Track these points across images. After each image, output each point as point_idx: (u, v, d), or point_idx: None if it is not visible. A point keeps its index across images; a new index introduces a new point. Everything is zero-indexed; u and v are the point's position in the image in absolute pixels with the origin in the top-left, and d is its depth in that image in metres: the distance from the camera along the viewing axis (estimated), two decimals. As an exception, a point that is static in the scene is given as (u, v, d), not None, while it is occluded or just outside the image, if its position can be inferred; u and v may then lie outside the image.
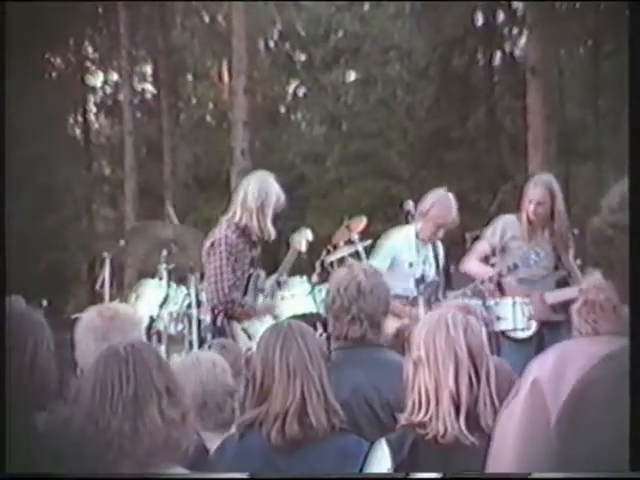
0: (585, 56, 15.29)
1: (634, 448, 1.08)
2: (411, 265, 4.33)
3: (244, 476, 1.80)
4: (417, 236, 4.38)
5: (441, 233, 4.38)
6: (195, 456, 1.68)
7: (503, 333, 4.10)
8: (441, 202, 4.35)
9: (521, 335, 4.11)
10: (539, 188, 4.25)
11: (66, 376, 2.14)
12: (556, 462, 1.14)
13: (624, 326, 1.27)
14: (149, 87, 17.20)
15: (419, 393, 1.97)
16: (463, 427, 1.92)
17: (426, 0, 13.48)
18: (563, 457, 1.14)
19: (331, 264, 5.05)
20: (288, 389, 1.93)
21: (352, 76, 16.36)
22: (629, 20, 1.23)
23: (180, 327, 4.06)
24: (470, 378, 1.97)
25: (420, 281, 4.20)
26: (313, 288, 4.24)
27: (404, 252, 4.37)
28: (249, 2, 12.50)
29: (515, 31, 14.82)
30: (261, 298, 4.02)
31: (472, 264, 4.41)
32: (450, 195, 4.41)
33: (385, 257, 4.36)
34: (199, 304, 4.07)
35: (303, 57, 16.55)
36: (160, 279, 4.19)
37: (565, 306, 4.05)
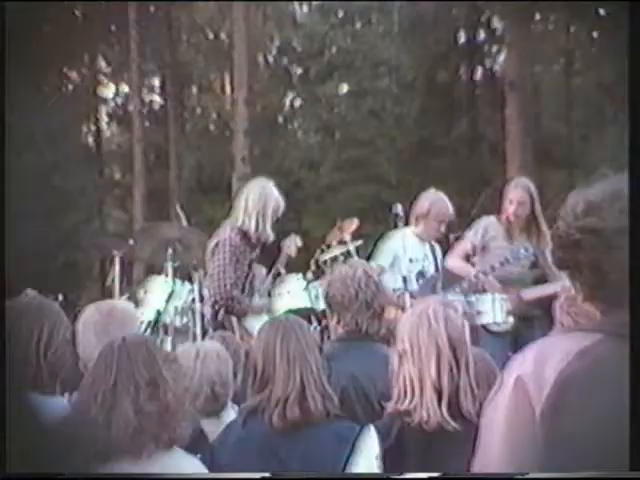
0: (558, 73, 15.35)
1: (634, 448, 1.06)
2: (411, 261, 4.35)
3: (245, 476, 1.79)
4: (418, 236, 4.40)
5: (444, 228, 4.40)
6: (193, 440, 1.67)
7: (483, 326, 4.10)
8: (438, 201, 4.38)
9: (499, 328, 4.11)
10: (519, 190, 4.26)
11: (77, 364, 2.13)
12: (541, 455, 1.13)
13: (595, 322, 1.26)
14: (157, 98, 17.18)
15: (404, 383, 1.96)
16: (445, 414, 1.91)
17: None
18: (548, 450, 1.13)
19: (325, 262, 5.05)
20: (289, 376, 1.93)
21: (345, 88, 16.36)
22: (629, 20, 1.21)
23: (185, 320, 4.06)
24: (451, 368, 1.96)
25: (420, 276, 4.22)
26: (308, 285, 4.24)
27: (405, 250, 4.38)
28: (249, 20, 12.48)
29: (494, 49, 14.87)
30: (257, 296, 4.03)
31: (455, 262, 4.42)
32: (443, 196, 4.44)
33: (387, 255, 4.37)
34: (202, 299, 4.07)
35: (299, 71, 16.56)
36: (166, 276, 4.18)
37: (541, 302, 4.06)
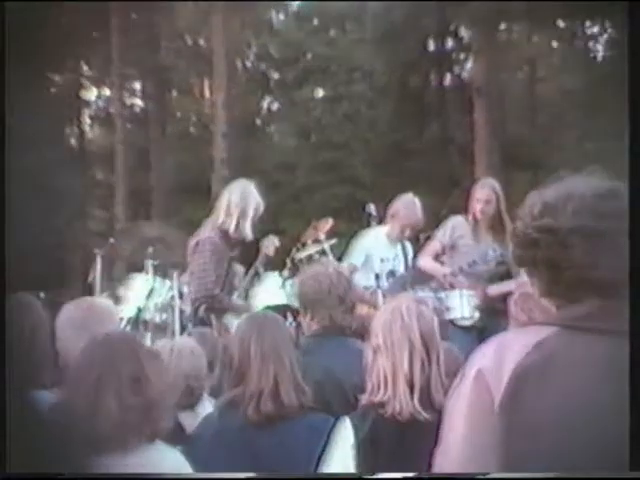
0: (522, 80, 15.52)
1: (634, 448, 1.06)
2: (382, 261, 4.36)
3: (245, 476, 1.79)
4: (389, 236, 4.42)
5: (408, 233, 4.42)
6: (171, 433, 1.67)
7: (451, 321, 4.14)
8: (408, 206, 4.40)
9: (467, 323, 4.15)
10: (486, 189, 4.31)
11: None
12: (500, 444, 1.15)
13: (551, 317, 1.28)
14: (138, 102, 17.02)
15: (378, 376, 1.97)
16: (417, 405, 1.93)
17: None
18: (506, 439, 1.14)
19: (300, 260, 5.05)
20: (263, 371, 1.93)
21: (320, 93, 16.37)
22: (629, 20, 1.22)
23: (164, 317, 4.04)
24: (423, 362, 1.98)
25: (391, 275, 4.24)
26: (284, 282, 4.23)
27: (376, 249, 4.40)
28: (227, 27, 12.43)
29: (462, 56, 14.99)
30: (237, 294, 4.02)
31: (426, 261, 4.44)
32: (416, 200, 4.45)
33: (360, 254, 4.39)
34: (181, 296, 4.05)
35: (276, 76, 16.53)
36: (146, 273, 4.16)
37: (506, 298, 4.10)
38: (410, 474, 1.46)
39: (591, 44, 15.04)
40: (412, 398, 1.93)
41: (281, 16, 16.37)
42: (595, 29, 14.66)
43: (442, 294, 4.18)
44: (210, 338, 2.74)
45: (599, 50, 15.01)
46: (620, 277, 1.18)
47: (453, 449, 1.19)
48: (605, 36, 14.68)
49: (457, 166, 14.41)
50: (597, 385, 1.14)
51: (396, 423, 1.92)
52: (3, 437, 1.39)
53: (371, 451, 1.87)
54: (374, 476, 1.79)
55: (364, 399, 1.98)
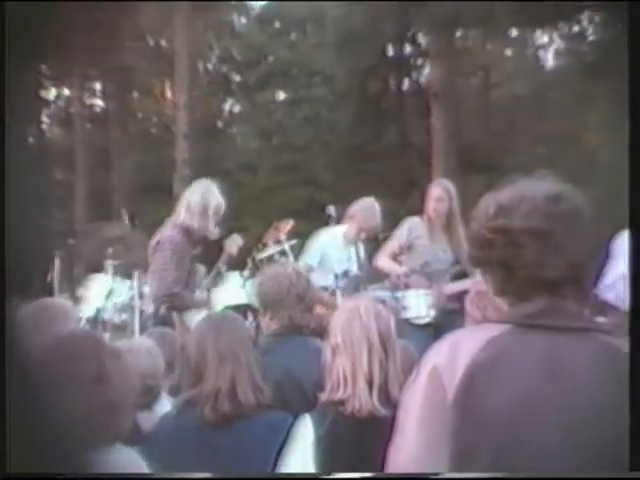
0: (477, 86, 15.77)
1: (634, 448, 1.07)
2: (337, 261, 4.38)
3: (245, 476, 1.77)
4: (345, 237, 4.43)
5: (364, 236, 4.45)
6: (128, 432, 1.64)
7: (408, 320, 4.17)
8: (366, 210, 4.43)
9: (423, 321, 4.19)
10: (438, 188, 4.39)
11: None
12: (452, 439, 1.16)
13: (503, 315, 1.30)
14: (99, 102, 16.72)
15: (337, 375, 1.98)
16: (376, 402, 1.94)
17: None
18: (458, 433, 1.16)
19: (261, 260, 5.03)
20: (219, 371, 1.92)
21: (282, 96, 16.34)
22: (629, 20, 1.22)
23: (124, 317, 3.97)
24: (381, 360, 1.99)
25: (344, 275, 4.25)
26: (245, 282, 4.21)
27: (332, 250, 4.41)
28: (189, 29, 12.30)
29: (420, 62, 15.14)
30: (199, 292, 3.98)
31: (384, 261, 4.48)
32: (376, 204, 4.48)
33: (315, 254, 4.40)
34: (141, 296, 3.99)
35: (238, 78, 16.43)
36: (106, 274, 4.09)
37: (461, 296, 4.16)
38: (380, 473, 1.46)
39: (540, 53, 15.40)
40: (371, 396, 1.94)
41: (243, 19, 16.28)
42: (544, 39, 15.01)
43: (399, 294, 4.22)
44: (170, 338, 2.71)
45: (548, 59, 15.39)
46: (567, 276, 1.21)
47: (407, 444, 1.20)
48: (553, 46, 15.06)
49: (415, 169, 14.55)
50: (546, 380, 1.16)
51: (355, 420, 1.92)
52: (3, 437, 1.37)
53: (331, 448, 1.87)
54: (368, 475, 1.78)
55: (323, 397, 1.98)
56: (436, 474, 1.17)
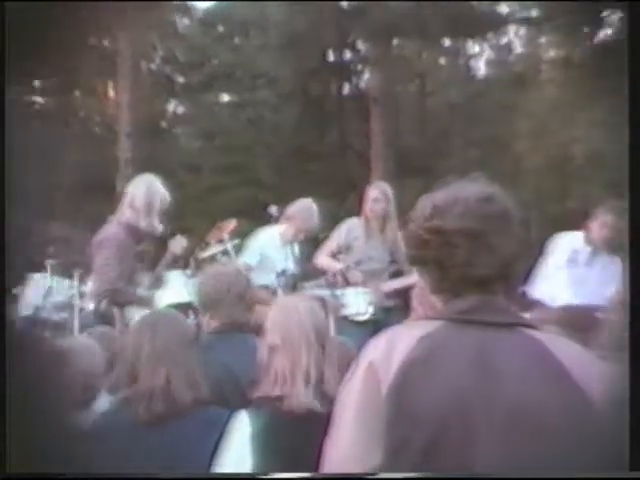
0: (414, 92, 16.06)
1: (634, 448, 1.06)
2: (276, 260, 4.37)
3: (248, 475, 1.72)
4: (282, 236, 4.42)
5: (302, 236, 4.46)
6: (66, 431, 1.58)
7: (347, 317, 4.20)
8: (304, 211, 4.45)
9: (361, 318, 4.22)
10: (375, 190, 4.47)
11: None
12: (385, 433, 1.16)
13: (437, 311, 1.32)
14: (39, 100, 16.14)
15: (275, 374, 1.96)
16: (313, 399, 1.93)
17: None
18: (390, 427, 1.16)
19: (204, 260, 4.96)
20: (154, 371, 1.88)
21: (225, 98, 16.18)
22: (629, 20, 1.23)
23: (63, 315, 3.85)
24: (317, 357, 1.99)
25: (282, 274, 4.25)
26: (187, 280, 4.15)
27: (270, 249, 4.40)
28: (133, 29, 12.02)
29: (360, 68, 15.28)
30: (141, 289, 3.89)
31: (322, 260, 4.50)
32: (313, 206, 4.50)
33: (254, 253, 4.38)
34: (81, 295, 3.88)
35: (182, 79, 16.17)
36: (45, 273, 3.94)
37: (397, 294, 4.22)
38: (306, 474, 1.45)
39: (472, 62, 15.80)
40: (308, 393, 1.93)
41: (186, 20, 16.02)
42: (476, 49, 15.41)
43: (338, 291, 4.25)
44: (109, 337, 2.64)
45: (479, 68, 15.81)
46: (497, 274, 1.24)
47: (343, 438, 1.20)
48: (484, 56, 15.48)
49: (355, 170, 14.67)
50: (476, 375, 1.18)
51: (293, 416, 1.91)
52: (3, 437, 1.29)
53: (267, 443, 1.86)
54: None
55: (259, 393, 1.96)
56: (373, 474, 1.17)
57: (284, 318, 2.00)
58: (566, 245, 4.16)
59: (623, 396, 1.18)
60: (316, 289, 4.30)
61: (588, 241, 4.09)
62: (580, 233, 4.16)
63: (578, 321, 2.34)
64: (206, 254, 4.94)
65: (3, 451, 1.31)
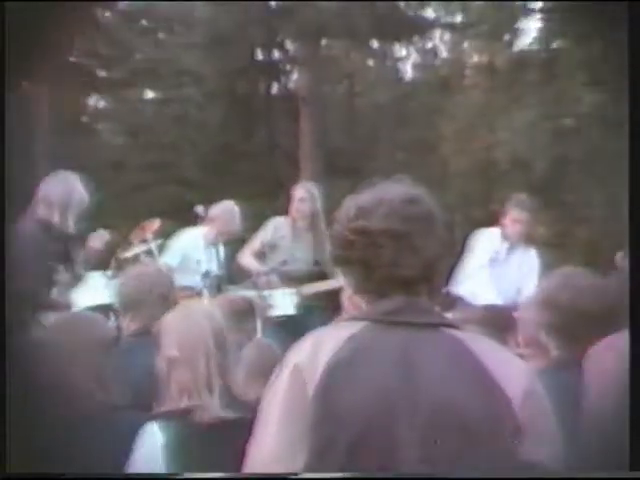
0: (342, 93, 16.23)
1: (634, 448, 1.06)
2: (198, 262, 4.32)
3: (245, 476, 1.65)
4: (206, 237, 4.38)
5: (224, 239, 4.45)
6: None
7: (274, 318, 4.20)
8: (226, 214, 4.44)
9: (288, 320, 4.23)
10: (301, 190, 4.52)
11: None
12: (311, 436, 1.16)
13: (362, 312, 1.33)
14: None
15: (178, 386, 1.91)
16: (224, 407, 1.89)
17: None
18: (316, 430, 1.16)
19: (126, 260, 4.84)
20: (65, 374, 1.81)
21: (149, 94, 15.81)
22: (629, 20, 1.24)
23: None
24: (220, 363, 1.94)
25: (205, 275, 4.21)
26: (109, 281, 4.03)
27: (192, 250, 4.36)
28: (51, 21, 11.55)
29: (288, 68, 15.29)
30: (57, 291, 3.74)
31: (246, 259, 4.51)
32: (235, 208, 4.49)
33: (175, 254, 4.33)
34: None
35: (103, 73, 15.67)
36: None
37: (323, 295, 4.26)
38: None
39: (400, 65, 16.14)
40: (215, 402, 1.88)
41: (107, 14, 15.54)
42: (403, 52, 15.76)
43: (266, 292, 4.25)
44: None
45: (407, 71, 16.16)
46: (421, 274, 1.26)
47: (267, 442, 1.19)
48: (411, 59, 15.84)
49: (283, 170, 14.66)
50: (400, 376, 1.19)
51: (205, 426, 1.87)
52: (3, 437, 1.31)
53: (181, 454, 1.82)
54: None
55: (166, 407, 1.91)
56: (296, 474, 1.17)
57: (179, 327, 1.94)
58: (485, 243, 4.32)
59: (541, 392, 1.23)
60: (243, 290, 4.28)
61: (504, 237, 4.27)
62: (497, 230, 4.33)
63: (498, 320, 2.42)
64: (128, 254, 4.82)
65: (3, 451, 1.25)
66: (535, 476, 1.16)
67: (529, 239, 4.35)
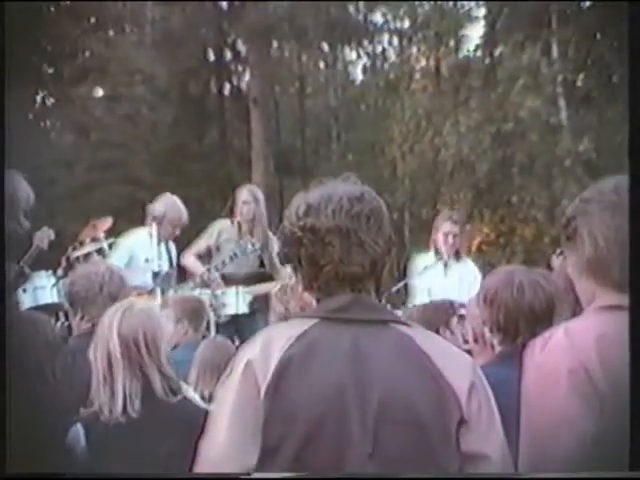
0: (294, 94, 16.24)
1: (634, 448, 1.05)
2: (147, 260, 4.25)
3: (246, 476, 1.60)
4: (154, 236, 4.31)
5: (178, 231, 4.38)
6: None
7: (227, 316, 4.17)
8: (171, 206, 4.37)
9: (240, 318, 4.21)
10: (244, 191, 4.49)
11: None
12: (262, 433, 1.15)
13: (312, 309, 1.32)
14: None
15: (99, 385, 1.88)
16: (120, 410, 1.85)
17: None
18: (267, 428, 1.15)
19: (77, 259, 4.71)
20: (12, 374, 1.75)
21: (100, 92, 15.42)
22: (629, 20, 1.23)
23: None
24: (140, 363, 1.89)
25: (156, 275, 4.15)
26: (58, 281, 3.91)
27: (141, 249, 4.28)
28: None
29: (240, 68, 15.20)
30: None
31: (188, 259, 4.47)
32: (176, 198, 4.44)
33: (123, 254, 4.24)
34: None
35: (51, 70, 15.21)
36: None
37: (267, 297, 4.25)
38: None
39: (350, 68, 16.25)
40: (116, 403, 1.85)
41: (53, 9, 15.08)
42: (353, 55, 15.87)
43: (219, 292, 4.22)
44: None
45: (357, 73, 16.28)
46: (368, 271, 1.26)
47: (218, 440, 1.18)
48: (360, 62, 15.98)
49: (235, 171, 14.56)
50: (349, 372, 1.20)
51: (121, 426, 1.84)
52: (3, 437, 1.29)
53: (98, 452, 1.79)
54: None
55: (91, 406, 1.88)
56: (248, 474, 1.15)
57: (105, 326, 1.91)
58: (418, 267, 4.33)
59: (486, 386, 1.25)
60: (196, 289, 4.24)
61: (437, 253, 4.29)
62: (430, 252, 4.34)
63: (441, 317, 2.46)
64: (79, 253, 4.70)
65: (3, 451, 1.21)
66: (535, 476, 1.16)
67: (463, 251, 4.42)
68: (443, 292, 4.08)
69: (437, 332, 2.28)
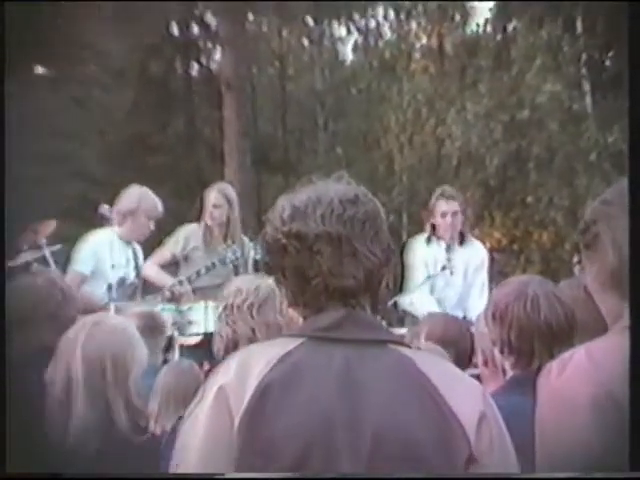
0: (273, 76, 16.21)
1: (634, 448, 1.07)
2: (113, 267, 4.21)
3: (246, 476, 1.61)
4: (123, 238, 4.28)
5: (152, 225, 4.35)
6: None
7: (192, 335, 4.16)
8: (146, 196, 4.33)
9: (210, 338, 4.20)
10: (214, 193, 4.44)
11: None
12: (237, 465, 1.16)
13: (298, 328, 1.33)
14: None
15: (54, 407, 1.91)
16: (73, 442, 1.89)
17: None
18: (243, 459, 1.16)
19: (12, 270, 4.67)
20: None
21: (41, 71, 15.31)
22: (629, 20, 1.26)
23: None
24: (121, 386, 1.91)
25: (121, 283, 4.12)
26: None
27: (106, 254, 4.24)
28: None
29: (210, 45, 15.16)
30: None
31: (151, 270, 4.42)
32: (146, 189, 4.41)
33: (87, 260, 4.20)
34: None
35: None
36: None
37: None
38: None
39: (338, 46, 16.26)
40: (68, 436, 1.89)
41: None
42: (342, 31, 15.89)
43: (185, 307, 4.18)
44: None
45: (347, 52, 16.29)
46: (363, 284, 1.27)
47: (188, 463, 1.19)
48: (351, 39, 16.00)
49: (205, 165, 14.52)
50: (340, 397, 1.21)
51: None
52: (3, 437, 1.40)
53: None
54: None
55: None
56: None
57: (69, 343, 1.92)
58: (420, 252, 4.41)
59: (498, 417, 1.27)
60: (159, 303, 4.21)
61: (438, 238, 4.37)
62: (427, 235, 4.41)
63: (448, 335, 2.48)
64: (16, 263, 4.66)
65: (3, 451, 1.29)
66: (535, 476, 1.19)
67: (466, 231, 4.45)
68: (446, 285, 4.14)
69: (445, 350, 2.30)
